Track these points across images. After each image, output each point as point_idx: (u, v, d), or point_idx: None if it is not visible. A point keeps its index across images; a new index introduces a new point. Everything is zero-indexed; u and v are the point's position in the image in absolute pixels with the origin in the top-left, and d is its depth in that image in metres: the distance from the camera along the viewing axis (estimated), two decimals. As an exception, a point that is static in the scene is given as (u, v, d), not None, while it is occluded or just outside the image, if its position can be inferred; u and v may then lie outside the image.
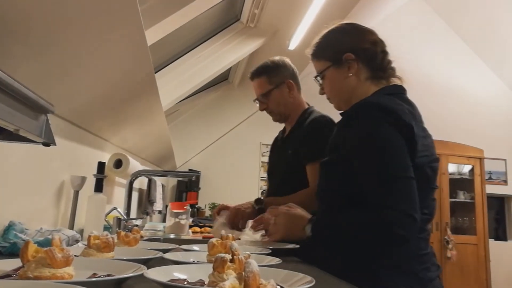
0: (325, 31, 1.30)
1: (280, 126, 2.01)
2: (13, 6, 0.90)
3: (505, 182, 5.70)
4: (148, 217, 3.27)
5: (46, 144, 0.95)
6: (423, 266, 1.06)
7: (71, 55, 1.25)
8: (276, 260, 0.94)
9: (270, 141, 2.22)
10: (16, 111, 0.79)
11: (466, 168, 5.42)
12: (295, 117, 1.85)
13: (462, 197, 5.30)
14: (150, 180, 3.19)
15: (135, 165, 2.37)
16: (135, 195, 3.00)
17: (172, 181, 5.12)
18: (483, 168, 5.28)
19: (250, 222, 1.59)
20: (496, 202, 5.71)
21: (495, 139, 5.70)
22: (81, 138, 1.87)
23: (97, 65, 1.41)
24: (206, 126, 5.36)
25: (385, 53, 1.24)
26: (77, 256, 0.84)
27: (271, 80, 1.83)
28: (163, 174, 3.33)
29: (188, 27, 2.94)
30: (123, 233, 1.15)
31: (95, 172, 1.75)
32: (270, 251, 1.18)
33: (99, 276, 0.68)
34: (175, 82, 3.59)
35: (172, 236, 2.05)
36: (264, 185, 4.67)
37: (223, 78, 5.31)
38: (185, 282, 0.66)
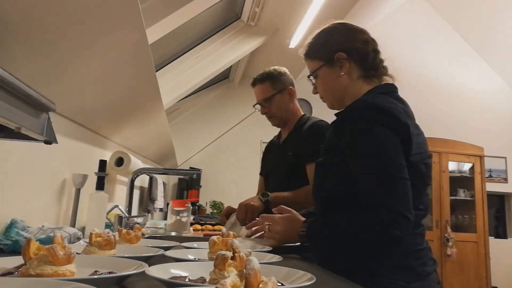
0: (317, 31, 1.31)
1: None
2: (14, 6, 0.90)
3: (505, 180, 5.70)
4: (150, 215, 3.28)
5: (47, 142, 0.96)
6: (420, 261, 1.07)
7: (73, 54, 1.26)
8: (277, 258, 0.94)
9: (270, 139, 2.24)
10: (17, 109, 0.80)
11: (467, 166, 5.42)
12: (293, 123, 1.98)
13: (462, 195, 5.29)
14: (151, 178, 3.20)
15: (136, 163, 2.37)
16: (136, 193, 3.01)
17: (173, 179, 5.12)
18: (483, 166, 5.28)
19: (243, 230, 1.61)
20: (496, 200, 5.71)
21: (496, 137, 5.69)
22: (82, 136, 1.87)
23: (98, 63, 1.41)
24: (207, 124, 5.36)
25: (376, 52, 1.25)
26: (79, 254, 0.85)
27: (274, 86, 1.94)
28: (164, 172, 3.34)
29: (189, 25, 2.94)
30: (124, 230, 1.16)
31: (96, 170, 1.76)
32: (271, 249, 1.19)
33: (101, 274, 0.69)
34: (176, 81, 3.59)
35: (173, 233, 2.05)
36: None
37: (223, 77, 5.31)
38: (186, 280, 0.67)
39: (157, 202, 3.25)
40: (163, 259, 0.91)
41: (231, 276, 0.47)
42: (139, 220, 2.36)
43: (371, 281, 0.91)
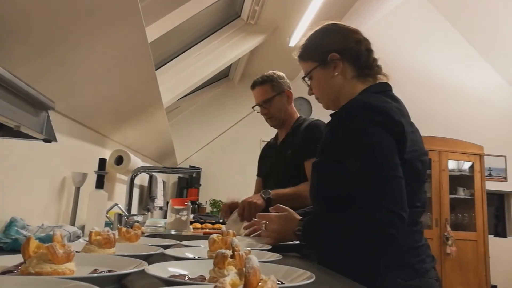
0: (310, 32, 1.32)
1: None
2: (13, 5, 0.90)
3: (504, 178, 5.70)
4: (149, 213, 3.28)
5: (47, 140, 0.96)
6: (419, 258, 1.08)
7: (72, 52, 1.25)
8: (276, 256, 0.95)
9: (270, 137, 2.25)
10: (17, 108, 0.80)
11: (466, 165, 5.42)
12: (290, 124, 2.06)
13: (462, 193, 5.30)
14: (151, 177, 3.20)
15: (136, 161, 2.37)
16: (136, 192, 3.01)
17: (173, 178, 5.12)
18: (483, 165, 5.28)
19: (243, 230, 1.62)
20: (496, 199, 5.71)
21: (495, 135, 5.69)
22: (82, 134, 1.87)
23: (98, 62, 1.41)
24: (206, 123, 5.36)
25: (369, 51, 1.26)
26: (78, 252, 0.85)
27: (274, 88, 2.03)
28: (164, 170, 3.34)
29: (189, 24, 2.93)
30: (124, 229, 1.16)
31: (96, 168, 1.76)
32: (270, 247, 1.19)
33: (100, 272, 0.69)
34: (176, 79, 3.59)
35: (173, 232, 2.06)
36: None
37: (223, 75, 5.30)
38: (186, 278, 0.67)
39: (157, 200, 3.26)
40: (163, 258, 0.91)
41: (231, 275, 0.48)
42: (139, 218, 2.36)
43: (369, 279, 0.91)
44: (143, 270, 0.65)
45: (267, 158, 2.19)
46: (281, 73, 2.09)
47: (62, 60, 1.26)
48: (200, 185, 5.03)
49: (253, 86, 2.08)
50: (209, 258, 0.89)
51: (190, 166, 5.06)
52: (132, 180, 2.16)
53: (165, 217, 3.23)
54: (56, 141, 0.98)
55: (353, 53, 1.22)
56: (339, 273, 0.95)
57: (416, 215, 1.11)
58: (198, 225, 2.61)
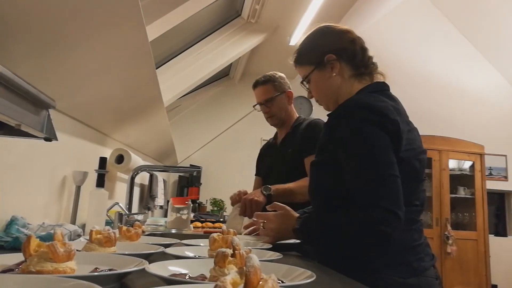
0: (303, 37, 1.34)
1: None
2: (14, 4, 0.90)
3: (505, 178, 5.70)
4: (150, 212, 3.28)
5: (47, 139, 0.96)
6: (417, 256, 1.08)
7: (73, 51, 1.25)
8: (276, 255, 0.95)
9: (271, 136, 2.26)
10: (17, 106, 0.80)
11: (467, 164, 5.42)
12: (290, 123, 2.10)
13: (462, 192, 5.29)
14: (151, 176, 3.20)
15: (136, 160, 2.37)
16: (136, 190, 3.01)
17: (174, 177, 5.12)
18: (484, 164, 5.28)
19: (245, 221, 1.64)
20: (496, 198, 5.70)
21: (496, 135, 5.69)
22: (82, 133, 1.87)
23: (98, 61, 1.41)
24: (207, 122, 5.35)
25: (364, 49, 1.27)
26: (79, 251, 0.85)
27: (275, 88, 2.08)
28: (165, 169, 3.34)
29: (189, 22, 2.93)
30: (124, 228, 1.16)
31: (96, 167, 1.76)
32: (271, 246, 1.19)
33: (101, 271, 0.69)
34: (176, 78, 3.59)
35: (173, 231, 2.06)
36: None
37: (224, 74, 5.30)
38: (187, 277, 0.67)
39: (157, 199, 3.26)
40: (163, 257, 0.91)
41: (231, 273, 0.48)
42: (140, 217, 2.37)
43: (367, 277, 0.91)
44: (143, 269, 0.65)
45: (267, 157, 2.22)
46: (282, 74, 2.13)
47: (62, 59, 1.26)
48: (201, 184, 5.03)
49: (255, 85, 2.12)
50: (210, 257, 0.89)
51: (191, 165, 5.06)
52: (132, 179, 2.16)
53: (165, 216, 3.23)
54: (56, 139, 0.98)
55: (348, 52, 1.24)
56: (337, 271, 0.96)
57: (415, 214, 1.12)
58: (199, 224, 2.62)
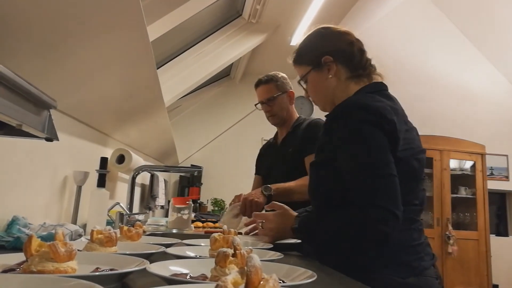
0: (303, 37, 1.35)
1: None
2: (15, 4, 0.90)
3: (506, 178, 5.69)
4: (151, 212, 3.28)
5: (49, 139, 0.96)
6: (417, 256, 1.08)
7: (74, 51, 1.26)
8: (277, 255, 0.95)
9: (271, 137, 2.27)
10: (18, 107, 0.80)
11: (468, 164, 5.41)
12: (290, 123, 2.12)
13: (463, 192, 5.29)
14: (152, 176, 3.20)
15: (137, 160, 2.37)
16: (137, 190, 3.01)
17: (175, 177, 5.12)
18: (485, 164, 5.27)
19: (244, 228, 1.65)
20: (498, 198, 5.69)
21: (497, 135, 5.68)
22: (83, 133, 1.87)
23: (99, 61, 1.41)
24: (208, 122, 5.35)
25: (362, 51, 1.27)
26: (80, 251, 0.85)
27: (278, 87, 2.10)
28: (166, 169, 3.34)
29: (190, 22, 2.93)
30: (125, 228, 1.16)
31: (97, 167, 1.76)
32: (272, 246, 1.19)
33: (102, 270, 0.69)
34: (177, 78, 3.59)
35: (174, 231, 2.06)
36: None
37: (225, 74, 5.30)
38: (188, 277, 0.67)
39: (158, 199, 3.26)
40: (164, 256, 0.91)
41: (232, 273, 0.48)
42: (140, 217, 2.37)
43: (366, 277, 0.91)
44: (144, 269, 0.65)
45: (267, 157, 2.23)
46: (284, 74, 2.16)
47: (64, 59, 1.26)
48: (202, 184, 5.03)
49: (257, 84, 2.14)
50: (211, 256, 0.89)
51: (192, 165, 5.06)
52: (133, 179, 2.16)
53: (166, 215, 3.23)
54: (57, 140, 0.98)
55: (346, 54, 1.25)
56: (337, 271, 0.96)
57: (414, 213, 1.12)
58: (200, 224, 2.62)
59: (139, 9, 1.16)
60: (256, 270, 0.44)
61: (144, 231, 1.52)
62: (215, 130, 5.42)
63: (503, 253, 5.29)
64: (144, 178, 3.20)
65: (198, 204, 4.58)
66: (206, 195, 5.00)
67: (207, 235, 1.86)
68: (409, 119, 1.21)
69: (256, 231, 1.50)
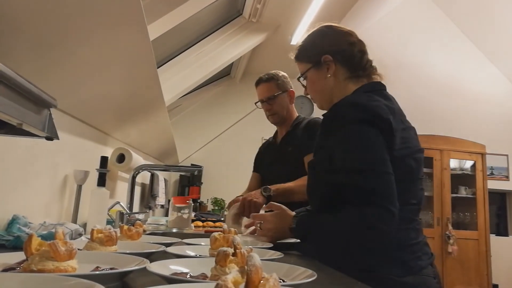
0: (306, 34, 1.36)
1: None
2: (15, 3, 0.90)
3: (506, 177, 5.69)
4: (151, 211, 3.28)
5: (49, 138, 0.96)
6: (414, 255, 1.08)
7: (74, 51, 1.26)
8: (277, 254, 0.95)
9: (272, 136, 2.27)
10: (19, 105, 0.80)
11: (468, 164, 5.41)
12: (290, 122, 2.13)
13: (463, 192, 5.29)
14: (152, 175, 3.20)
15: (137, 159, 2.37)
16: (137, 190, 3.01)
17: (175, 176, 5.12)
18: (485, 164, 5.27)
19: (244, 229, 1.65)
20: (498, 198, 5.69)
21: (497, 134, 5.68)
22: (84, 132, 1.87)
23: (99, 60, 1.41)
24: (208, 121, 5.35)
25: (363, 52, 1.28)
26: (80, 250, 0.85)
27: (278, 86, 2.10)
28: (166, 168, 3.35)
29: (190, 22, 2.93)
30: (126, 227, 1.16)
31: (98, 166, 1.76)
32: (272, 245, 1.19)
33: (102, 270, 0.69)
34: (178, 77, 3.59)
35: (174, 230, 2.06)
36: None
37: (225, 73, 5.30)
38: (188, 276, 0.67)
39: (158, 198, 3.26)
40: (164, 256, 0.91)
41: (232, 272, 0.48)
42: (141, 216, 2.37)
43: (363, 275, 0.92)
44: (144, 268, 0.65)
45: (266, 156, 2.23)
46: (285, 73, 2.16)
47: (64, 58, 1.26)
48: (202, 183, 5.03)
49: (258, 83, 2.14)
50: (211, 256, 0.89)
51: (192, 164, 5.06)
52: (133, 178, 2.16)
53: (166, 215, 3.23)
54: (58, 139, 0.98)
55: (345, 55, 1.25)
56: (336, 269, 0.96)
57: (412, 213, 1.12)
58: (200, 223, 2.62)
59: (140, 8, 1.16)
60: (257, 269, 0.44)
61: (144, 230, 1.52)
62: (215, 129, 5.42)
63: (503, 253, 5.29)
64: (144, 177, 3.20)
65: (198, 204, 4.59)
66: (206, 195, 5.00)
67: (207, 234, 1.86)
68: (409, 119, 1.22)
69: (252, 227, 1.51)
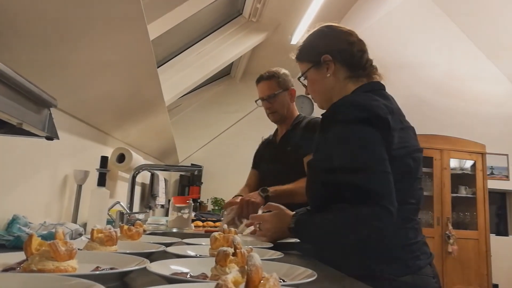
0: (307, 34, 1.37)
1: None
2: (16, 3, 0.90)
3: (506, 177, 5.68)
4: (151, 211, 3.28)
5: (49, 138, 0.96)
6: (412, 255, 1.09)
7: (74, 50, 1.25)
8: (278, 254, 0.95)
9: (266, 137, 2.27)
10: (19, 105, 0.79)
11: (468, 163, 5.41)
12: (290, 121, 2.12)
13: (463, 192, 5.29)
14: (152, 175, 3.20)
15: (137, 159, 2.37)
16: (138, 189, 3.01)
17: (175, 176, 5.12)
18: (485, 163, 5.27)
19: (246, 230, 1.66)
20: (498, 197, 5.69)
21: (497, 134, 5.67)
22: (84, 132, 1.87)
23: (99, 60, 1.41)
24: (208, 121, 5.35)
25: (363, 52, 1.28)
26: (80, 250, 0.85)
27: (279, 84, 2.08)
28: (166, 168, 3.35)
29: (190, 21, 2.93)
30: (126, 227, 1.16)
31: (98, 166, 1.76)
32: (272, 245, 1.19)
33: (103, 269, 0.69)
34: (178, 77, 3.58)
35: (174, 230, 2.06)
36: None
37: (225, 73, 5.30)
38: (188, 276, 0.67)
39: (158, 198, 3.26)
40: (165, 255, 0.91)
41: (233, 272, 0.48)
42: (141, 216, 2.37)
43: (362, 274, 0.92)
44: (145, 268, 0.65)
45: (266, 154, 2.22)
46: (286, 71, 2.14)
47: (64, 57, 1.26)
48: (202, 183, 5.03)
49: (258, 81, 2.12)
50: (211, 256, 0.89)
51: (192, 164, 5.06)
52: (134, 178, 2.16)
53: (166, 215, 3.23)
54: (58, 138, 0.98)
55: (345, 54, 1.26)
56: (335, 269, 0.97)
57: (410, 212, 1.13)
58: (200, 223, 2.62)
59: (140, 8, 1.16)
60: (257, 269, 0.44)
61: (144, 230, 1.52)
62: (215, 129, 5.42)
63: (503, 253, 5.29)
64: (144, 177, 3.20)
65: (198, 203, 4.59)
66: (206, 194, 5.00)
67: (207, 234, 1.86)
68: (409, 118, 1.22)
69: (252, 227, 1.51)
